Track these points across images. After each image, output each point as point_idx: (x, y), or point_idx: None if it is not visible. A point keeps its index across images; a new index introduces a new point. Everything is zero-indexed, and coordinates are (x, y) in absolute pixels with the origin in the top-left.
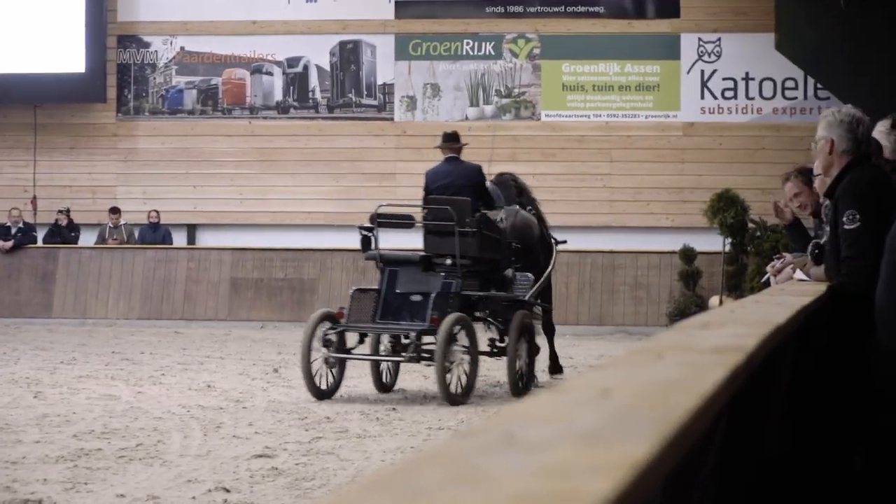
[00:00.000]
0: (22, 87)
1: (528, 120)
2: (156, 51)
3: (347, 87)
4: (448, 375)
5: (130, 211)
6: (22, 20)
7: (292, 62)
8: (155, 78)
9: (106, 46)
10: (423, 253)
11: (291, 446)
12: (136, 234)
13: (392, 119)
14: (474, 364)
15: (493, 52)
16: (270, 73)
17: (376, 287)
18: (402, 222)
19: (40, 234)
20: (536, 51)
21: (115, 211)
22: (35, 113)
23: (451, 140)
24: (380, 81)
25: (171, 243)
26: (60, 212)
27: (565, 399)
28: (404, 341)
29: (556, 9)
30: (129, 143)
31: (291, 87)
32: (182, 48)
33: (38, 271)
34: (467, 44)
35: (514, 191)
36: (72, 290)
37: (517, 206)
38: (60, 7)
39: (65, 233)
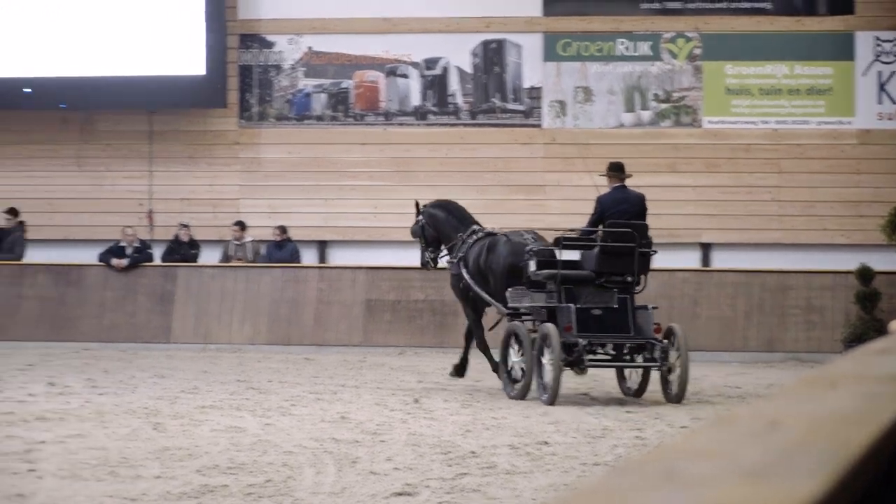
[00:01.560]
0: (136, 92)
1: (689, 127)
2: (281, 51)
3: (491, 91)
4: (670, 377)
5: (255, 226)
6: (136, 19)
7: (430, 63)
8: (280, 81)
9: (226, 47)
10: (587, 272)
11: (434, 483)
12: (263, 250)
13: (540, 126)
14: (686, 366)
15: (649, 53)
16: (406, 76)
17: (545, 304)
18: (585, 244)
19: (157, 252)
20: (697, 51)
21: (239, 225)
22: (150, 120)
23: (619, 170)
24: (526, 85)
25: (300, 261)
26: (184, 226)
27: (729, 432)
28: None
29: (718, 5)
30: (253, 151)
31: (429, 91)
32: (309, 48)
33: (156, 292)
34: (621, 43)
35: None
36: (192, 312)
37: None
38: (179, 5)
39: (184, 250)
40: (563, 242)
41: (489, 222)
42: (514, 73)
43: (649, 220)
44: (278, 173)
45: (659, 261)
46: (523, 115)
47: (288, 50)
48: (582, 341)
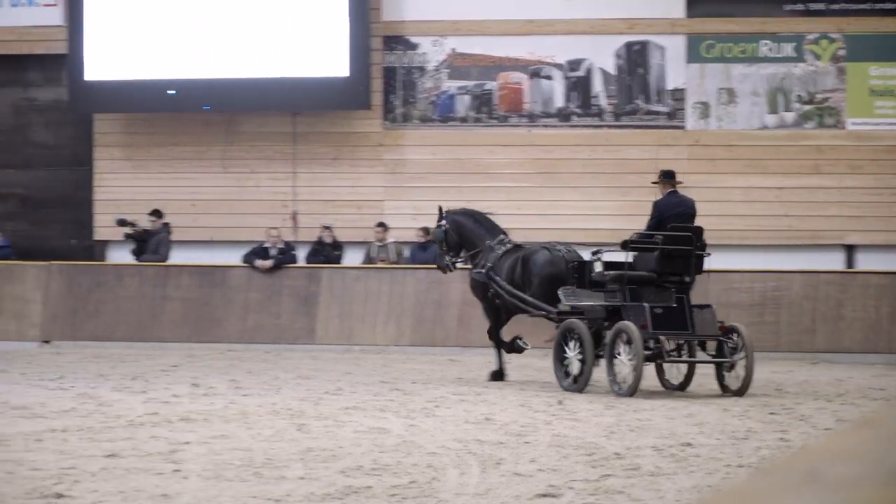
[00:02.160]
0: (281, 93)
1: (833, 129)
2: (425, 53)
3: (634, 93)
4: (732, 372)
5: (399, 227)
6: (280, 21)
7: (574, 65)
8: (424, 82)
9: (370, 48)
10: (650, 273)
11: (578, 485)
12: (406, 252)
13: (683, 127)
14: (752, 363)
15: (793, 54)
16: (550, 77)
17: (611, 303)
18: (649, 247)
19: (301, 253)
20: (841, 52)
21: (382, 226)
22: (294, 121)
23: (671, 177)
24: (670, 86)
25: None
26: (326, 228)
27: (874, 435)
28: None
29: (862, 6)
30: (397, 153)
31: (573, 93)
32: (453, 50)
33: (300, 293)
34: (765, 45)
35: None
36: (336, 313)
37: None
38: (323, 6)
39: (328, 251)
40: (629, 245)
41: (630, 223)
42: (657, 74)
43: (700, 222)
44: (422, 175)
45: (802, 262)
46: (667, 117)
47: (432, 51)
48: (662, 337)
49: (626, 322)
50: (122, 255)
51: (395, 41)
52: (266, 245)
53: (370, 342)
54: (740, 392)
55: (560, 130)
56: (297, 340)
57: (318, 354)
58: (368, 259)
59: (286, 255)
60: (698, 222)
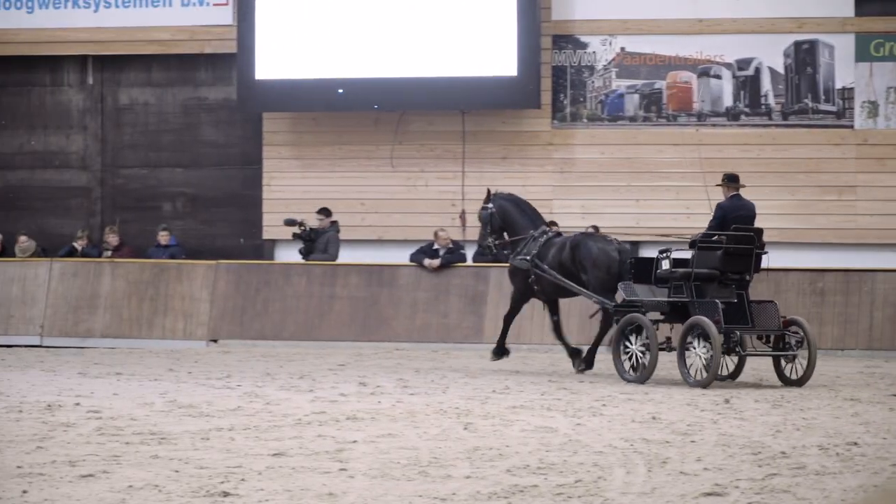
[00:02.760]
0: (450, 92)
1: None
2: (594, 52)
3: (803, 92)
4: (794, 364)
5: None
6: (448, 20)
7: (742, 64)
8: (593, 82)
9: (540, 48)
10: (714, 271)
11: (743, 484)
12: None
13: (852, 127)
14: (815, 355)
15: None
16: (719, 77)
17: (678, 299)
18: (713, 246)
19: (469, 252)
20: None
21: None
22: (463, 120)
23: (735, 181)
24: (838, 85)
25: None
26: None
27: None
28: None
29: None
30: (566, 152)
31: (742, 92)
32: (622, 49)
33: (468, 292)
34: None
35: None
36: (504, 312)
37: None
38: (492, 6)
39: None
40: (697, 245)
41: (798, 223)
42: (826, 73)
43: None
44: (590, 174)
45: None
46: (835, 116)
47: (601, 51)
48: (738, 331)
49: (701, 317)
50: (290, 255)
51: (565, 40)
52: (434, 244)
53: (537, 341)
54: (800, 383)
55: (728, 129)
56: (464, 339)
57: (485, 353)
58: None
59: (454, 254)
60: (761, 223)
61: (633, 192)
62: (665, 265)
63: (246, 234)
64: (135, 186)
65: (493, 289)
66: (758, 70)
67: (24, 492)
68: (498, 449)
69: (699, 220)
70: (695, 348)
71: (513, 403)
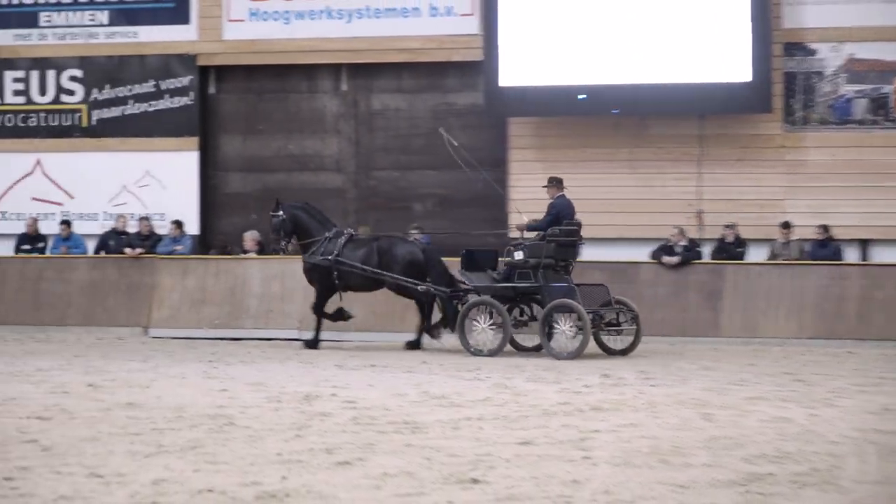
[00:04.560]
0: (688, 97)
1: None
2: (823, 58)
3: None
4: None
5: (799, 225)
6: (686, 28)
7: None
8: (822, 87)
9: (772, 55)
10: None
11: None
12: (807, 248)
13: None
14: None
15: None
16: None
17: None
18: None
19: (706, 250)
20: None
21: (786, 226)
22: (700, 124)
23: (558, 184)
24: None
25: (843, 259)
26: (728, 227)
27: None
28: None
29: None
30: (797, 154)
31: None
32: (850, 55)
33: (705, 288)
34: None
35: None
36: (739, 307)
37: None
38: (726, 15)
39: (731, 249)
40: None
41: None
42: None
43: None
44: (821, 175)
45: None
46: None
47: (830, 57)
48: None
49: (568, 300)
50: None
51: (795, 48)
52: (671, 243)
53: (772, 335)
54: (624, 353)
55: None
56: (701, 333)
57: (720, 347)
58: (772, 256)
59: (692, 251)
60: None
61: (861, 192)
62: (518, 255)
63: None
64: (387, 188)
65: (729, 285)
66: None
67: (284, 477)
68: (735, 438)
69: None
70: (558, 326)
71: (749, 395)
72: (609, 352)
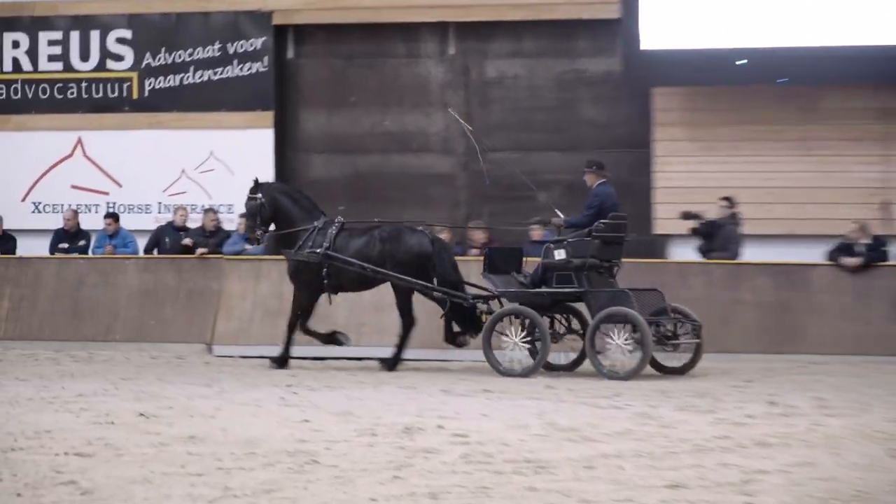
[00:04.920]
0: (863, 64)
1: None
2: None
3: None
4: None
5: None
6: None
7: None
8: None
9: None
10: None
11: None
12: None
13: None
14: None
15: None
16: None
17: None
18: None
19: (894, 250)
20: None
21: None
22: (888, 95)
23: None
24: None
25: None
26: None
27: None
28: None
29: None
30: None
31: None
32: None
33: (893, 296)
34: None
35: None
36: None
37: None
38: None
39: None
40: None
41: None
42: None
43: None
44: None
45: None
46: None
47: None
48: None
49: (623, 307)
50: (686, 252)
51: None
52: (848, 242)
53: None
54: (681, 371)
55: None
56: (889, 351)
57: None
58: None
59: (876, 251)
60: None
61: None
62: (561, 255)
63: (635, 228)
64: (504, 173)
65: None
66: None
67: None
68: None
69: None
70: (614, 340)
71: None
72: (662, 370)
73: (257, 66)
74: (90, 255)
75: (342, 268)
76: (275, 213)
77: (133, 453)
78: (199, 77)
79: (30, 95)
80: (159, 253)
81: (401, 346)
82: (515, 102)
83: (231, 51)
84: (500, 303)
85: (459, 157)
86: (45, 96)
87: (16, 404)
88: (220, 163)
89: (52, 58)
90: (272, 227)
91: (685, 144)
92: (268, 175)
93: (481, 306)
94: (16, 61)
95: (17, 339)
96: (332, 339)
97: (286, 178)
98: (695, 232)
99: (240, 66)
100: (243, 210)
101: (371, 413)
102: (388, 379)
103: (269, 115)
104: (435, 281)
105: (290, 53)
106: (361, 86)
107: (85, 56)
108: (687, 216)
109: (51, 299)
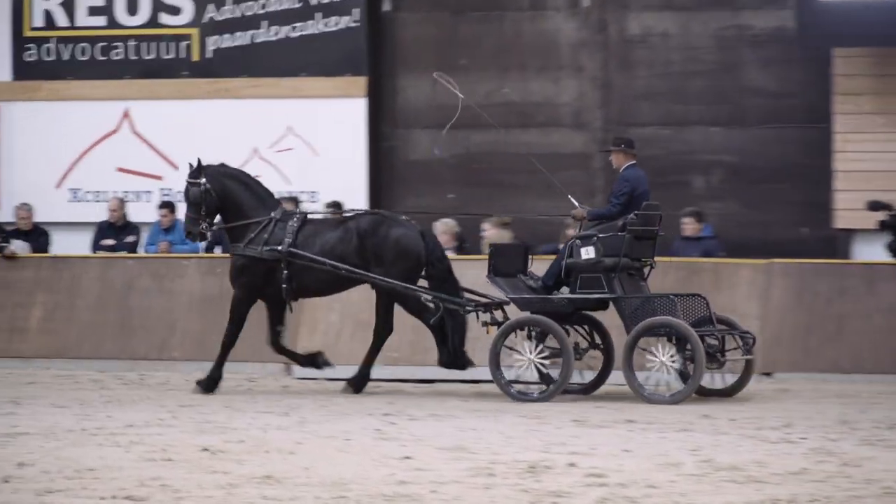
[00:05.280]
0: None
1: None
2: None
3: None
4: None
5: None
6: None
7: None
8: None
9: None
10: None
11: None
12: None
13: None
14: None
15: None
16: None
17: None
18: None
19: None
20: None
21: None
22: None
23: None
24: None
25: None
26: None
27: None
28: None
29: None
30: None
31: None
32: None
33: None
34: None
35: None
36: None
37: None
38: None
39: None
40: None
41: None
42: None
43: None
44: None
45: None
46: None
47: None
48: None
49: (668, 317)
50: (874, 251)
51: None
52: None
53: None
54: (729, 393)
55: None
56: None
57: None
58: None
59: None
60: None
61: None
62: (589, 253)
63: (811, 220)
64: (652, 152)
65: None
66: None
67: None
68: None
69: None
70: (659, 353)
71: None
72: (704, 392)
73: (346, 21)
74: (140, 253)
75: (306, 267)
76: (222, 201)
77: (196, 496)
78: (275, 34)
79: (66, 57)
80: (224, 251)
81: (370, 358)
82: (665, 66)
83: (314, 2)
84: (504, 312)
85: (595, 132)
86: (85, 58)
87: (52, 437)
88: (300, 140)
89: (93, 11)
90: (218, 218)
91: (873, 119)
92: (360, 156)
93: (483, 316)
94: (48, 15)
95: (51, 356)
96: (311, 361)
97: (382, 159)
98: (884, 226)
99: (325, 21)
100: (333, 198)
101: (488, 448)
102: (505, 406)
103: (361, 82)
104: (427, 284)
105: (387, 5)
106: (476, 46)
107: (133, 9)
108: (875, 206)
109: (92, 308)
